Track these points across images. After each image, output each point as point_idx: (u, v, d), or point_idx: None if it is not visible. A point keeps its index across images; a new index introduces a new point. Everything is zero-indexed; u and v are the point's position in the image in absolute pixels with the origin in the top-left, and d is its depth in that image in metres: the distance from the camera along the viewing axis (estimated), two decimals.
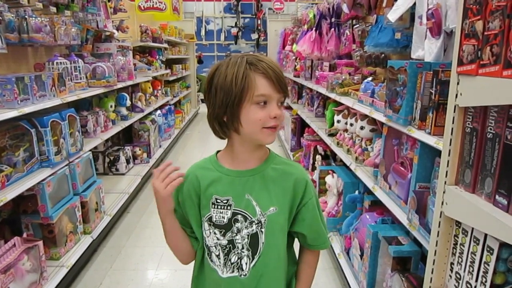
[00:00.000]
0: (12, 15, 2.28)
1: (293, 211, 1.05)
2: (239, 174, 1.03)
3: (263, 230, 1.01)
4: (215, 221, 1.03)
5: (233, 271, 1.03)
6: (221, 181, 1.03)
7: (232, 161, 1.05)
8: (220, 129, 1.02)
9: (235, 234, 1.02)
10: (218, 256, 1.05)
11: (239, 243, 1.02)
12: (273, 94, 0.94)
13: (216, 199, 1.02)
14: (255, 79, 0.93)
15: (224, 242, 1.03)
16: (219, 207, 1.02)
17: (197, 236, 1.08)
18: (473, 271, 1.06)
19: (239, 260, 1.03)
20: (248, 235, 1.01)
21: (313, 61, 4.44)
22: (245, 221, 1.01)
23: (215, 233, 1.04)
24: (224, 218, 1.02)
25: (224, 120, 0.99)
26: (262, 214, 1.00)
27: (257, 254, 1.02)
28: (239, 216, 1.01)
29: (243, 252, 1.02)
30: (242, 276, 1.03)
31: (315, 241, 1.09)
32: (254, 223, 1.01)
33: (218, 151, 1.11)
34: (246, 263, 1.02)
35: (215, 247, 1.05)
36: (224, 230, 1.03)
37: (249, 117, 0.94)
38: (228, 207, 1.02)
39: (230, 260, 1.03)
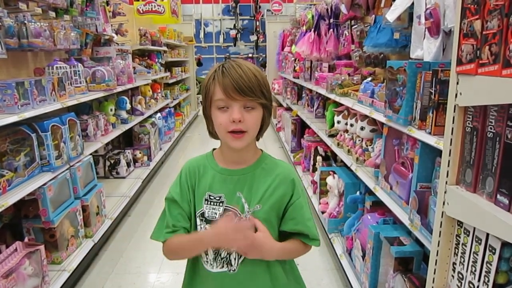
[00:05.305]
0: (12, 20, 2.29)
1: (281, 210, 1.06)
2: (231, 173, 1.07)
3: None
4: (208, 216, 1.06)
5: (222, 266, 1.06)
6: (215, 179, 1.07)
7: (224, 160, 1.09)
8: (209, 131, 1.08)
9: None
10: (206, 251, 1.07)
11: None
12: (233, 98, 0.95)
13: (210, 195, 1.06)
14: (215, 85, 0.97)
15: None
16: (212, 203, 1.06)
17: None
18: (475, 271, 1.06)
19: (228, 256, 1.06)
20: None
21: (312, 62, 4.44)
22: (235, 218, 1.04)
23: (206, 228, 1.06)
24: (216, 214, 1.05)
25: None
26: (249, 211, 1.03)
27: None
28: (230, 213, 1.04)
29: (232, 247, 1.04)
30: (231, 271, 1.06)
31: (306, 238, 1.09)
32: (242, 220, 1.03)
33: (214, 149, 1.14)
34: (235, 259, 1.05)
35: None
36: None
37: (215, 121, 1.01)
38: (221, 204, 1.05)
39: (220, 255, 1.06)
